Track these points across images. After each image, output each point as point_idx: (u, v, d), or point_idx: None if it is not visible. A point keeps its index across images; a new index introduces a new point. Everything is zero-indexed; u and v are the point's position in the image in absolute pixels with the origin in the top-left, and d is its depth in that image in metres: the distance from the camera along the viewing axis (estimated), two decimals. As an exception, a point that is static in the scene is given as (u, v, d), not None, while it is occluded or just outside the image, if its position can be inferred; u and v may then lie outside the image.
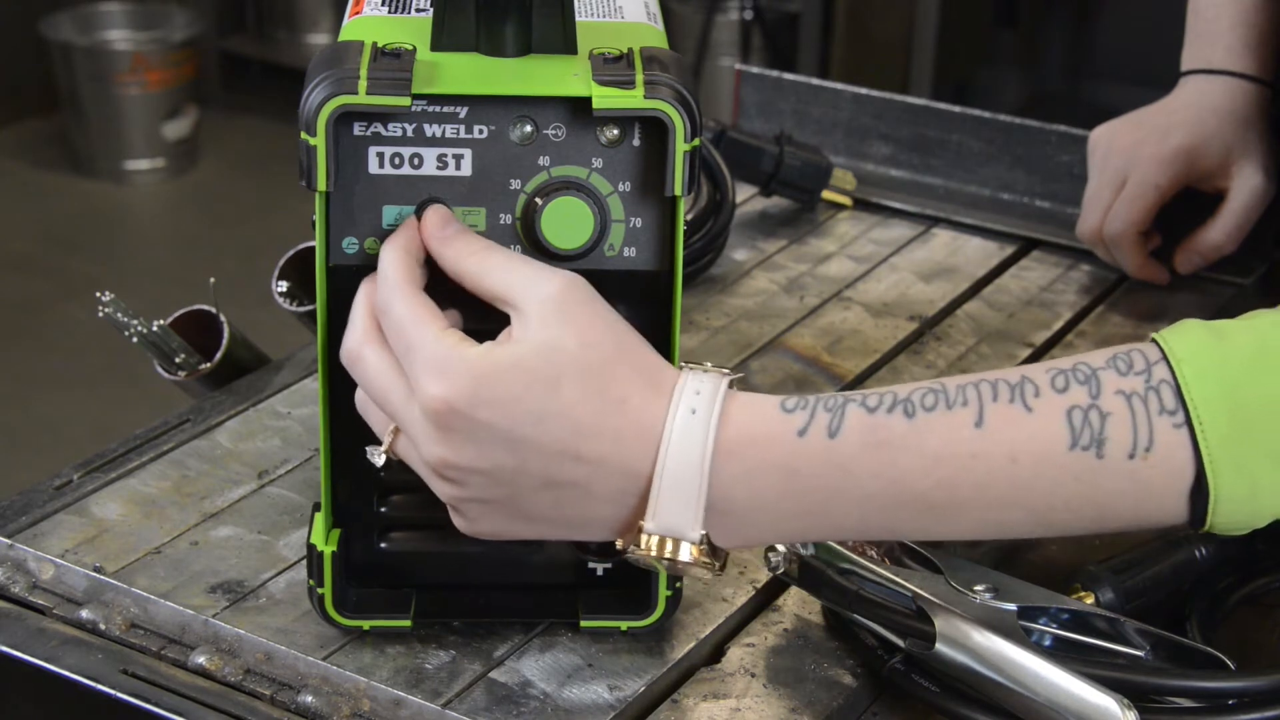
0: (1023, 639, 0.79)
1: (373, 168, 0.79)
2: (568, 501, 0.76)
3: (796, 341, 1.18)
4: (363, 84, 0.76)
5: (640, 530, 0.76)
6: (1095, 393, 0.74)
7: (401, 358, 0.76)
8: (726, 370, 0.77)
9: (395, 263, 0.78)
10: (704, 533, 0.75)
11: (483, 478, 0.76)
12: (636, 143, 0.79)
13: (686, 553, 0.76)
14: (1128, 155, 1.25)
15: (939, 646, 0.80)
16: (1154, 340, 0.76)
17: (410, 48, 0.78)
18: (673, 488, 0.75)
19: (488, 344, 0.75)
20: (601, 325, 0.76)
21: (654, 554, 0.76)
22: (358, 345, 0.78)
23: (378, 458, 0.79)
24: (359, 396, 0.80)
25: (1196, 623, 0.88)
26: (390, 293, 0.77)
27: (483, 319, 0.78)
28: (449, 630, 0.86)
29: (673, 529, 0.75)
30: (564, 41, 0.80)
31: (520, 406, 0.74)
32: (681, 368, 0.77)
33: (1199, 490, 0.74)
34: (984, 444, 0.74)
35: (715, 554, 0.77)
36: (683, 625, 0.87)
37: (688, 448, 0.75)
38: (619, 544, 0.78)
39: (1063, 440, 0.74)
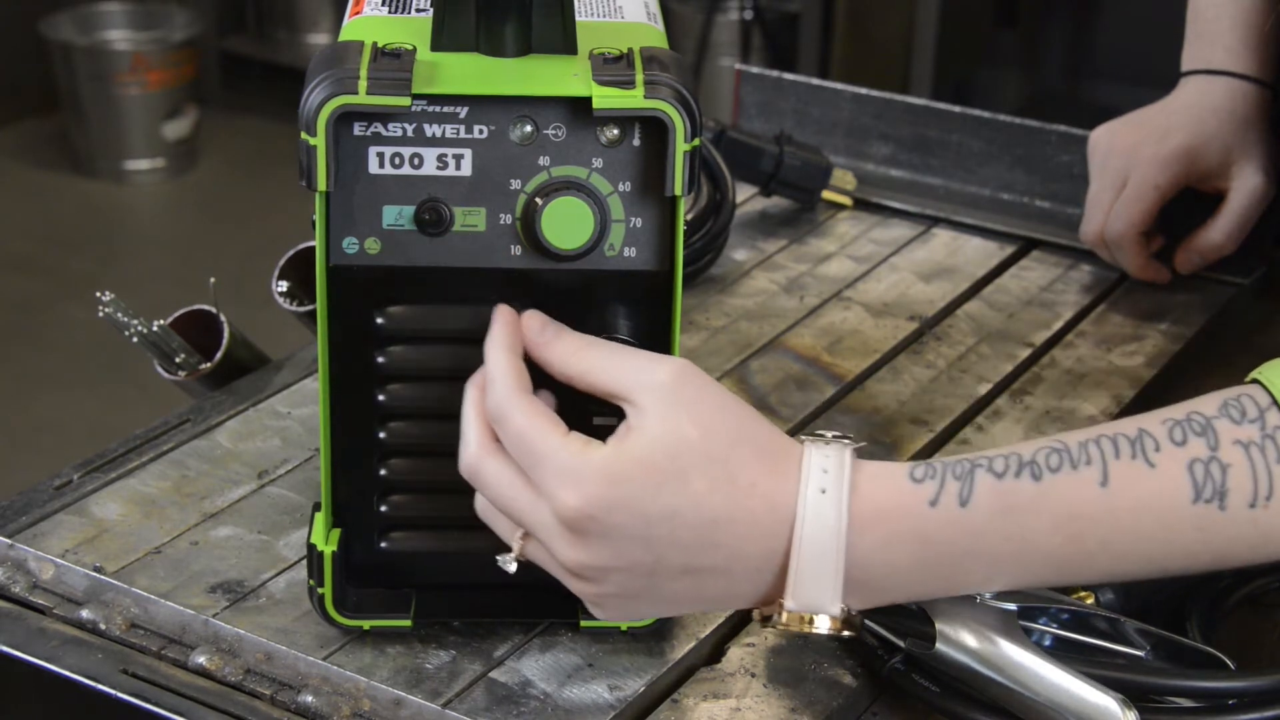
0: (1023, 639, 0.79)
1: (373, 168, 0.79)
2: (707, 585, 0.77)
3: (796, 341, 1.18)
4: (363, 84, 0.76)
5: (780, 606, 0.77)
6: (1214, 444, 0.76)
7: (527, 468, 0.76)
8: (848, 439, 0.78)
9: (503, 368, 0.77)
10: (844, 606, 0.77)
11: (621, 574, 0.76)
12: (636, 143, 0.79)
13: (824, 625, 0.77)
14: (1128, 156, 1.25)
15: (939, 646, 0.80)
16: (1258, 382, 0.78)
17: (410, 48, 0.78)
18: (810, 567, 0.76)
19: (611, 443, 0.76)
20: (718, 409, 0.77)
21: (793, 627, 0.77)
22: (476, 459, 0.78)
23: (510, 565, 0.79)
24: (480, 504, 0.80)
25: (1196, 623, 0.88)
26: (505, 404, 0.77)
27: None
28: (449, 630, 0.86)
29: (812, 605, 0.77)
30: (564, 41, 0.80)
31: (654, 505, 0.75)
32: (803, 441, 0.78)
33: None
34: (1110, 502, 0.76)
35: (851, 620, 0.78)
36: (683, 625, 0.87)
37: (822, 528, 0.76)
38: (756, 615, 0.79)
39: (1186, 494, 0.76)
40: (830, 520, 0.76)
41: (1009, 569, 0.77)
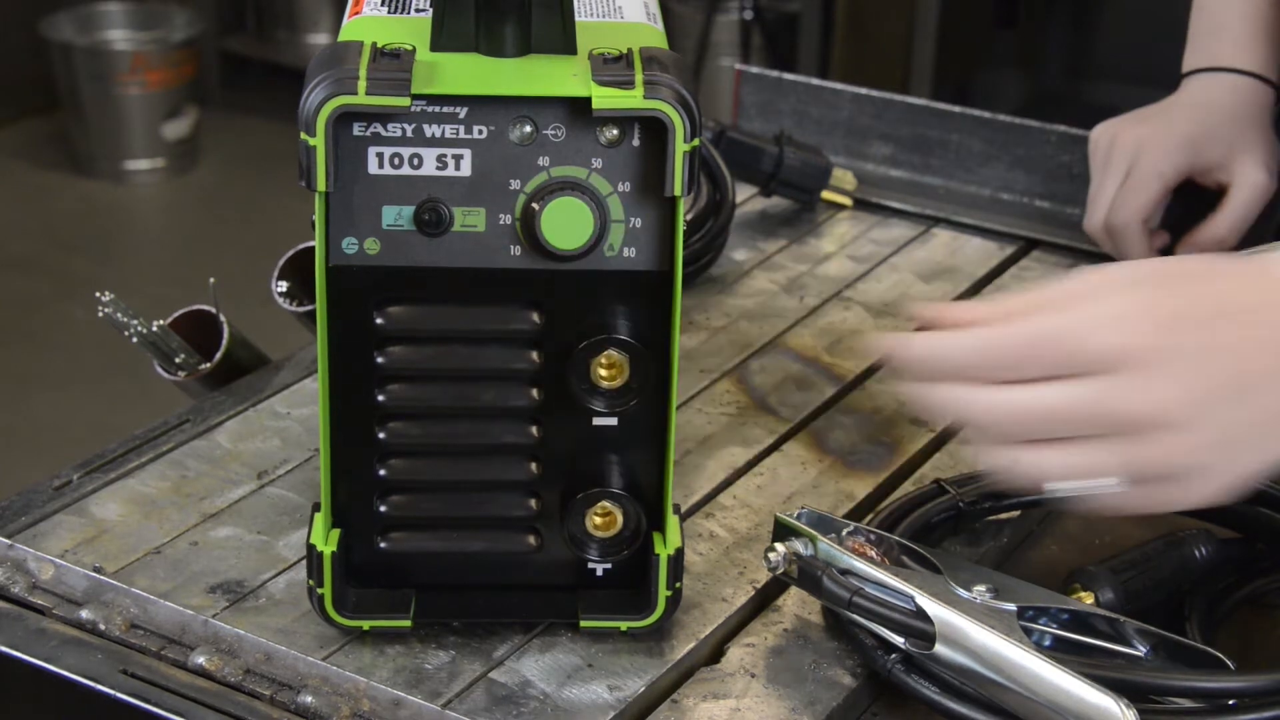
0: (1023, 639, 0.79)
1: (372, 168, 0.79)
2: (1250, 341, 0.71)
3: (796, 341, 1.18)
4: (362, 84, 0.76)
5: None
6: None
7: (1050, 350, 0.72)
8: None
9: (965, 335, 0.75)
10: None
11: (1200, 361, 0.70)
12: (636, 143, 0.79)
13: None
14: (1131, 148, 1.25)
15: (939, 646, 0.80)
16: None
17: (410, 48, 0.78)
18: None
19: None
20: None
21: None
22: (1007, 402, 0.73)
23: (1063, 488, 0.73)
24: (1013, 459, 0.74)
25: (1196, 623, 0.88)
26: (990, 332, 0.73)
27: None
28: (449, 630, 0.86)
29: None
30: (564, 41, 0.80)
31: (1197, 289, 0.72)
32: None
33: None
34: None
35: None
36: (683, 625, 0.87)
37: None
38: None
39: None
40: None
41: None
